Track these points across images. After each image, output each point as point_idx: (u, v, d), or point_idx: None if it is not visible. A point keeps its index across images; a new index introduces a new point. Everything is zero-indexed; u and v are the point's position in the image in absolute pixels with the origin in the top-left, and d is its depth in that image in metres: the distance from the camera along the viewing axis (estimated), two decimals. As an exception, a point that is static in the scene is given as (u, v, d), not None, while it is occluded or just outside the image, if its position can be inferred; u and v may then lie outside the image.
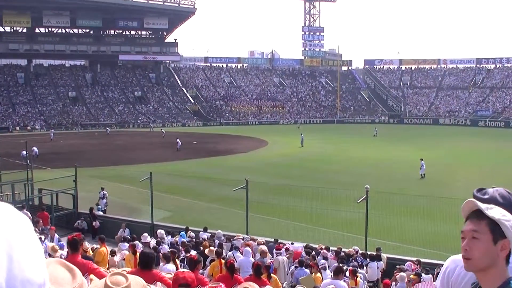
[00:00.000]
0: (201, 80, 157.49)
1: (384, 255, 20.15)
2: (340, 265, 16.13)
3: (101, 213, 32.39)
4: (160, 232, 22.64)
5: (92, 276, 7.15)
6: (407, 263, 17.71)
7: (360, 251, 20.29)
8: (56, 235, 21.73)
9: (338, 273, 13.47)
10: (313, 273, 15.35)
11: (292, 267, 16.96)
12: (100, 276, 6.45)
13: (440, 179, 45.95)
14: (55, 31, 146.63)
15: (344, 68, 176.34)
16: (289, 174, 48.03)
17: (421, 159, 47.70)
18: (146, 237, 21.03)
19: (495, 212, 2.62)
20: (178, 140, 72.27)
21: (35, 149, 59.19)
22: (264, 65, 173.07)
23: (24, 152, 59.66)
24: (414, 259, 18.54)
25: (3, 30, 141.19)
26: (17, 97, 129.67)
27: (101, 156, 63.94)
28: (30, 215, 25.43)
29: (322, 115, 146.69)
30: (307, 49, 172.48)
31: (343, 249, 20.46)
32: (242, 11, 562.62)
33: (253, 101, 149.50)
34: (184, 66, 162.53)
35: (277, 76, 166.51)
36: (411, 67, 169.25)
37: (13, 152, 55.26)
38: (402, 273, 15.59)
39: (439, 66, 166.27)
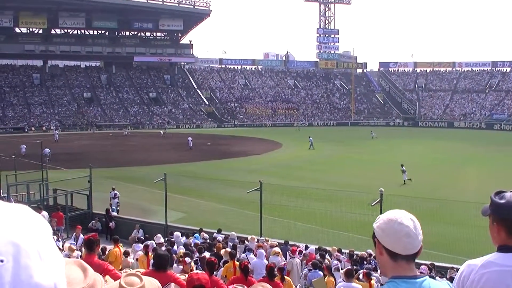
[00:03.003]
0: (216, 82, 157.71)
1: (398, 258, 20.07)
2: (354, 267, 16.11)
3: (114, 213, 32.50)
4: (176, 234, 22.67)
5: (107, 277, 7.17)
6: (422, 266, 17.62)
7: (373, 254, 20.24)
8: (82, 235, 21.62)
9: (349, 276, 13.44)
10: (326, 276, 15.33)
11: (306, 270, 16.95)
12: (115, 277, 6.48)
13: (448, 182, 45.88)
14: (70, 32, 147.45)
15: (359, 70, 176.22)
16: (302, 176, 47.94)
17: (402, 165, 47.09)
18: (160, 238, 21.08)
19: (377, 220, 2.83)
20: (189, 138, 76.07)
21: (24, 146, 59.46)
22: (279, 67, 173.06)
23: (47, 150, 60.30)
24: (428, 262, 18.45)
25: (19, 31, 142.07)
26: (33, 98, 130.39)
27: (115, 157, 64.08)
28: (48, 216, 25.62)
29: (337, 118, 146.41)
30: (321, 51, 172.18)
31: (356, 252, 20.43)
32: (257, 13, 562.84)
33: (267, 103, 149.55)
34: (198, 68, 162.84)
35: (292, 78, 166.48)
36: (426, 70, 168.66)
37: (29, 153, 55.45)
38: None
39: (454, 69, 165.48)
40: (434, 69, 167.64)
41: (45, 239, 1.31)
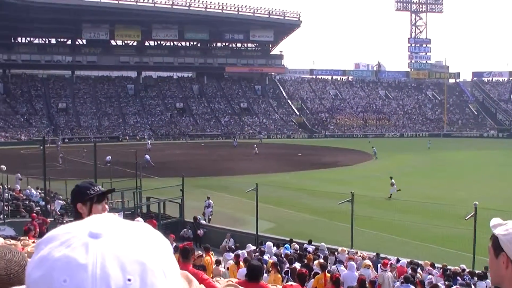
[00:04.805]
0: (306, 92, 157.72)
1: (493, 274, 19.59)
2: (447, 283, 15.83)
3: (203, 221, 32.98)
4: (268, 244, 22.77)
5: (202, 286, 7.28)
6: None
7: (467, 270, 19.82)
8: (174, 244, 21.97)
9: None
10: (419, 290, 15.12)
11: (398, 283, 16.74)
12: (210, 286, 6.56)
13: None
14: (163, 44, 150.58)
15: (451, 80, 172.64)
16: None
17: (391, 177, 46.05)
18: (250, 247, 21.22)
19: (500, 228, 2.52)
20: (255, 145, 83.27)
21: (109, 157, 60.61)
22: (370, 78, 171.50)
23: (148, 156, 61.55)
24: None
25: (115, 43, 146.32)
26: (127, 108, 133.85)
27: (206, 166, 64.73)
28: (143, 222, 26.23)
29: (429, 129, 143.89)
30: (413, 61, 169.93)
31: (449, 267, 20.04)
32: (347, 23, 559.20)
33: (358, 114, 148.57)
34: (289, 78, 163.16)
35: (383, 89, 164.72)
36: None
37: (123, 161, 56.65)
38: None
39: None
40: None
41: (168, 257, 1.34)
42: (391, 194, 44.55)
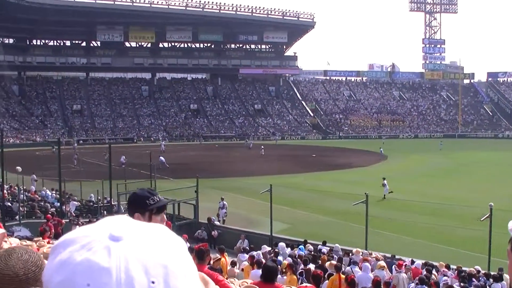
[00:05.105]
0: (320, 94, 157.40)
1: (507, 276, 19.52)
2: (462, 284, 15.77)
3: (217, 223, 33.00)
4: (281, 244, 22.76)
5: (217, 287, 7.27)
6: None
7: (482, 271, 19.72)
8: (188, 244, 22.02)
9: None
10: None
11: (413, 285, 16.69)
12: None
13: None
14: (177, 46, 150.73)
15: (466, 81, 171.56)
16: (407, 189, 47.14)
17: (384, 178, 45.89)
18: (265, 248, 21.20)
19: None
20: (262, 147, 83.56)
21: (123, 158, 60.68)
22: (384, 78, 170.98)
23: (162, 158, 61.65)
24: None
25: (129, 45, 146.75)
26: (141, 109, 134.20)
27: (220, 168, 64.73)
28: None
29: (443, 130, 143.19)
30: (427, 62, 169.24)
31: (464, 268, 19.95)
32: (361, 24, 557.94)
33: (372, 115, 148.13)
34: (303, 80, 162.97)
35: (397, 90, 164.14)
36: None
37: (137, 162, 56.72)
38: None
39: None
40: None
41: (187, 259, 1.35)
42: (384, 195, 44.14)
